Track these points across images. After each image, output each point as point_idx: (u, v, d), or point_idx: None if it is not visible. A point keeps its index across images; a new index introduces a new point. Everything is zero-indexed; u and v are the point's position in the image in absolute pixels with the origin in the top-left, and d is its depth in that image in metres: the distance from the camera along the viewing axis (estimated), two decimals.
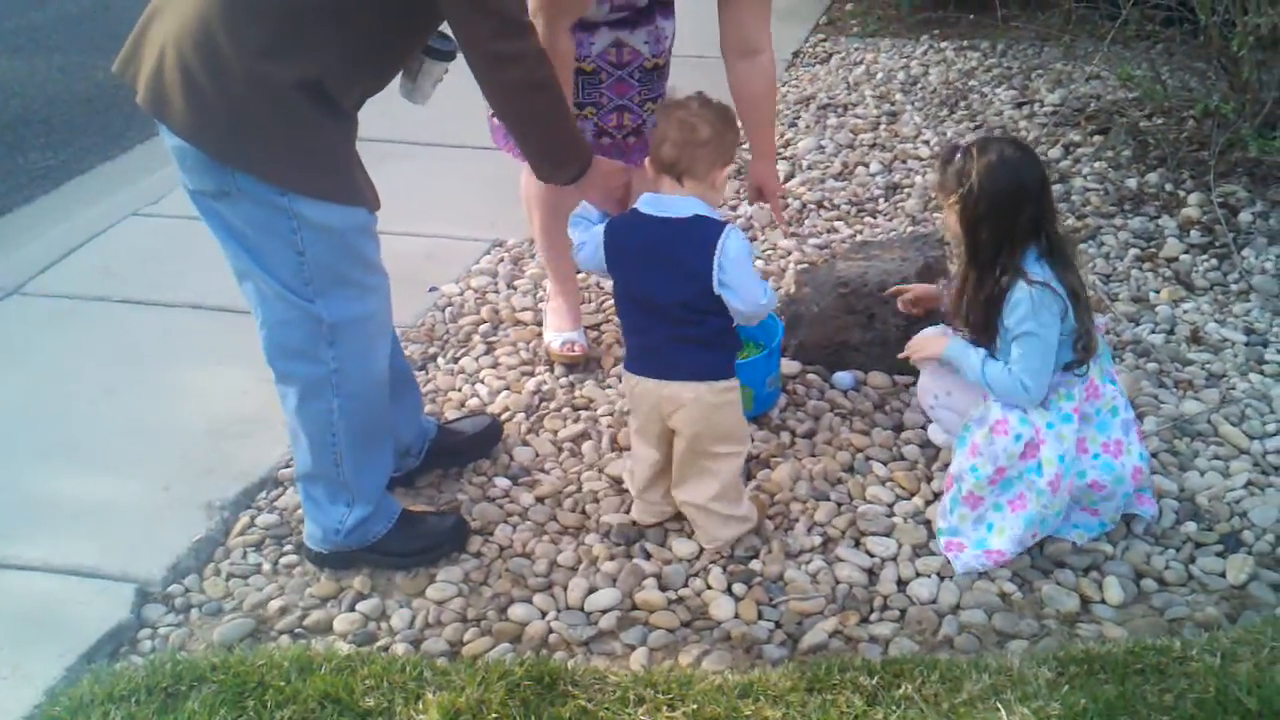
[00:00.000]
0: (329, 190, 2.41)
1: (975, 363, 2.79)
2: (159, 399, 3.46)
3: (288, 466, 3.13)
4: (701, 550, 2.84)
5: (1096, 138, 5.04)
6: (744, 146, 3.68)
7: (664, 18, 3.23)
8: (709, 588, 2.74)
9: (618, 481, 3.08)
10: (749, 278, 2.63)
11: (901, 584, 2.75)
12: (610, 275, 2.75)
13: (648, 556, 2.83)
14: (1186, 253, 4.12)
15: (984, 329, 2.77)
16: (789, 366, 3.45)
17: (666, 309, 2.64)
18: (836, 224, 4.43)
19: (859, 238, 4.28)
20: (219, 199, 2.41)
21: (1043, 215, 2.71)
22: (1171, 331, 3.68)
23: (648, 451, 2.84)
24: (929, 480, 3.04)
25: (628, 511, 2.96)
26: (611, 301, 3.90)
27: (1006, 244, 2.69)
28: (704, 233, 2.61)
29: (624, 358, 2.83)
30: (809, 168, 4.90)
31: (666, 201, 2.65)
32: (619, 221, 2.72)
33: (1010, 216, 2.67)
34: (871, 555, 2.83)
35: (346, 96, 2.40)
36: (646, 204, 2.67)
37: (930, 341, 2.99)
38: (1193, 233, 4.24)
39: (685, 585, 2.75)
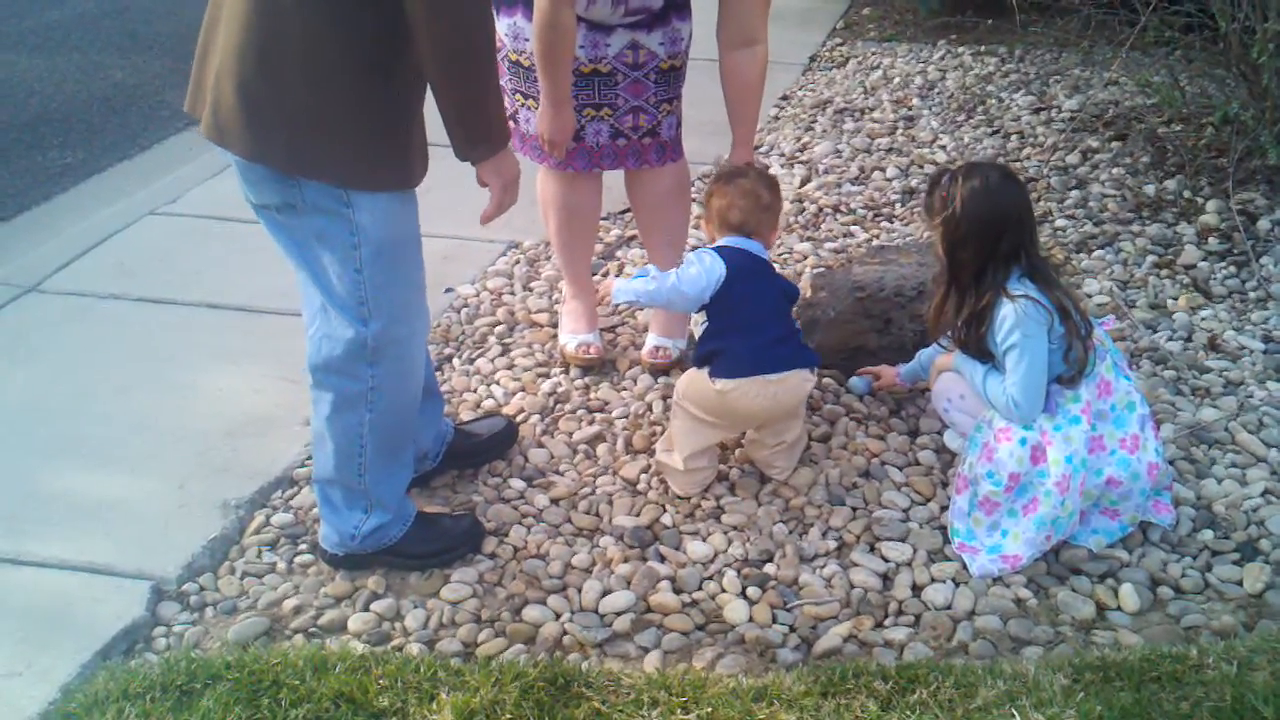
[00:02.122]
0: (387, 180, 2.44)
1: (978, 377, 2.84)
2: (175, 397, 3.46)
3: (303, 466, 3.14)
4: (716, 554, 2.84)
5: (1115, 144, 5.03)
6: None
7: (680, 19, 3.23)
8: (723, 591, 2.74)
9: (632, 484, 3.09)
10: None
11: (916, 589, 2.74)
12: (716, 295, 2.94)
13: (662, 559, 2.83)
14: (1205, 260, 4.11)
15: (976, 350, 2.82)
16: None
17: (781, 305, 3.00)
18: (853, 228, 4.43)
19: (875, 242, 4.28)
20: (283, 212, 2.45)
21: (1023, 240, 2.78)
22: (1189, 339, 3.67)
23: (720, 434, 3.04)
24: (945, 486, 3.04)
25: (640, 514, 2.97)
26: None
27: (989, 267, 2.77)
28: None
29: (726, 365, 2.90)
30: (825, 172, 4.90)
31: (747, 242, 3.01)
32: (726, 250, 2.99)
33: (991, 241, 2.76)
34: (887, 560, 2.82)
35: (398, 61, 2.37)
36: (732, 242, 3.00)
37: (941, 361, 3.08)
38: (1211, 240, 4.22)
39: (700, 588, 2.75)
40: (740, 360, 2.89)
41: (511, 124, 3.39)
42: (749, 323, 2.92)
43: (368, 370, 2.57)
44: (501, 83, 3.34)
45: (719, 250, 2.98)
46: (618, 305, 3.09)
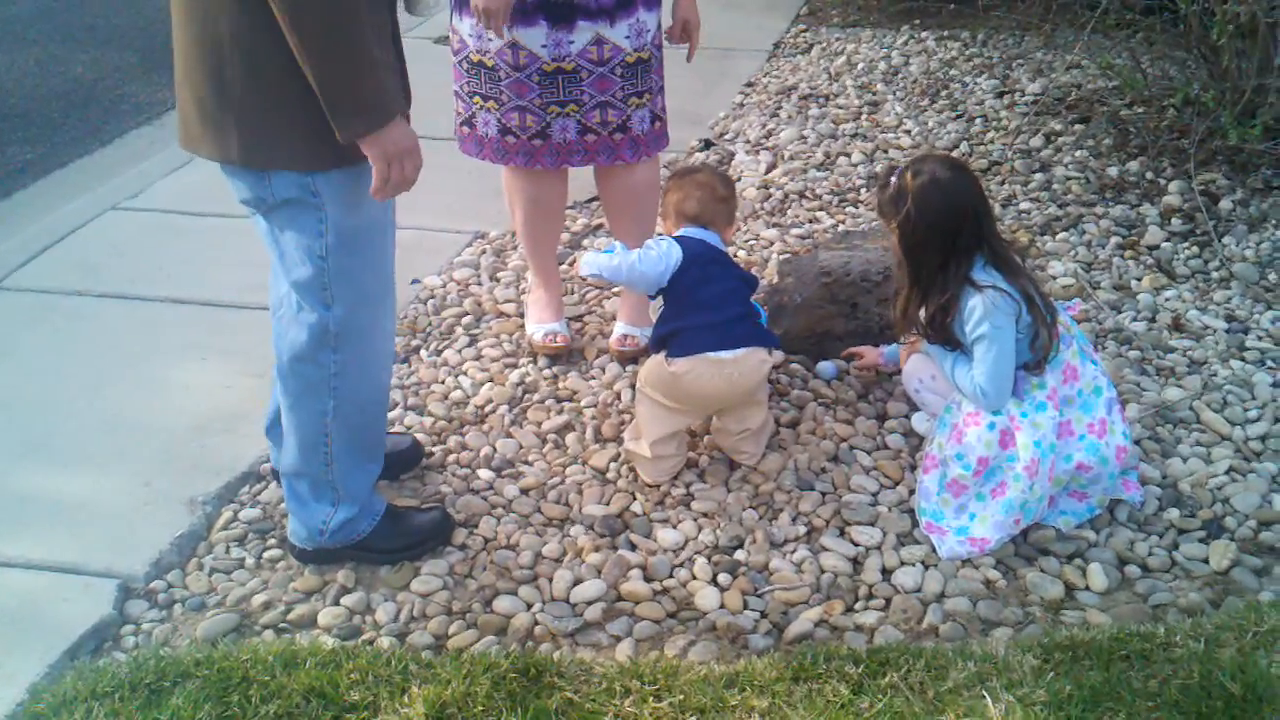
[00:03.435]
0: (347, 153, 2.37)
1: (947, 364, 2.86)
2: (140, 394, 3.44)
3: (269, 461, 3.12)
4: (686, 541, 2.84)
5: (1078, 126, 5.05)
6: None
7: (647, 10, 3.22)
8: (694, 578, 2.74)
9: (602, 472, 3.08)
10: None
11: (886, 573, 2.76)
12: (673, 273, 2.95)
13: (633, 548, 2.83)
14: (1168, 240, 4.13)
15: (943, 339, 2.84)
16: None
17: (737, 286, 2.99)
18: (819, 214, 4.43)
19: (841, 227, 4.28)
20: (258, 205, 2.47)
21: (982, 230, 2.78)
22: (1153, 319, 3.69)
23: (683, 420, 3.03)
24: (913, 469, 3.04)
25: (610, 503, 2.97)
26: (595, 292, 3.90)
27: (951, 261, 2.77)
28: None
29: (680, 345, 2.91)
30: (791, 158, 4.90)
31: (706, 233, 3.03)
32: (684, 238, 3.01)
33: (950, 236, 2.76)
34: (856, 544, 2.83)
35: None
36: (692, 233, 3.02)
37: (910, 346, 3.11)
38: (1174, 220, 4.25)
39: (670, 576, 2.75)
40: (693, 339, 2.89)
41: (466, 129, 3.38)
42: (703, 303, 2.92)
43: (330, 356, 2.56)
44: (458, 85, 3.33)
45: (677, 238, 2.99)
46: (584, 278, 3.12)
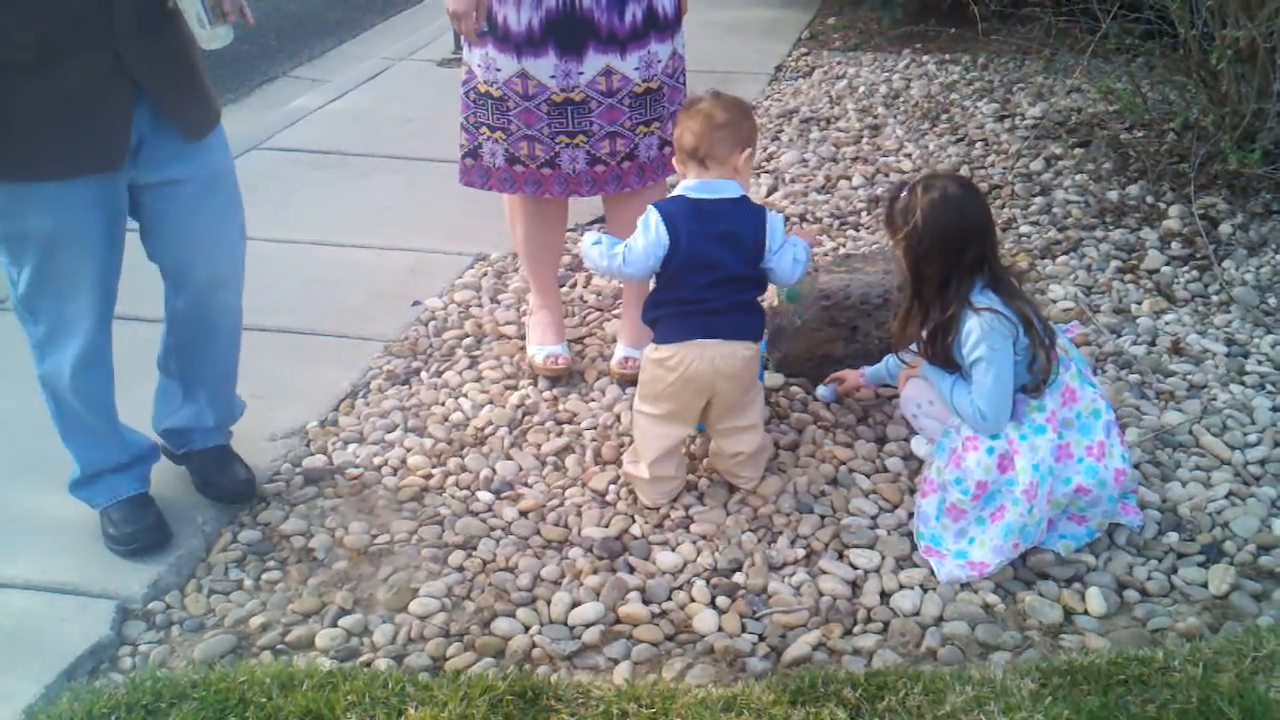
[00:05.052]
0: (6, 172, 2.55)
1: (945, 386, 2.85)
2: (138, 414, 3.43)
3: (270, 482, 3.13)
4: (685, 564, 2.84)
5: (1078, 150, 5.06)
6: None
7: (659, 41, 3.23)
8: (692, 601, 2.74)
9: (601, 495, 3.08)
10: (789, 248, 2.97)
11: (885, 596, 2.75)
12: (662, 260, 2.89)
13: (631, 570, 2.83)
14: (1168, 264, 4.14)
15: (943, 361, 2.82)
16: (772, 379, 3.45)
17: (729, 278, 2.89)
18: (819, 237, 4.43)
19: (841, 251, 4.29)
20: None
21: (986, 250, 2.78)
22: (1153, 343, 3.70)
23: (678, 430, 3.00)
24: (912, 492, 3.04)
25: (609, 525, 2.97)
26: (595, 315, 3.90)
27: (954, 279, 2.76)
28: (752, 211, 2.94)
29: (664, 331, 2.93)
30: (792, 181, 4.91)
31: (711, 185, 2.91)
32: (669, 206, 2.92)
33: (955, 253, 2.75)
34: (855, 567, 2.83)
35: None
36: (694, 190, 2.91)
37: (909, 370, 3.09)
38: (1174, 244, 4.26)
39: (669, 599, 2.75)
40: (675, 326, 2.91)
41: (470, 160, 3.40)
42: (687, 295, 2.90)
43: (30, 328, 2.80)
44: (464, 117, 3.35)
45: (669, 212, 2.90)
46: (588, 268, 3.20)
